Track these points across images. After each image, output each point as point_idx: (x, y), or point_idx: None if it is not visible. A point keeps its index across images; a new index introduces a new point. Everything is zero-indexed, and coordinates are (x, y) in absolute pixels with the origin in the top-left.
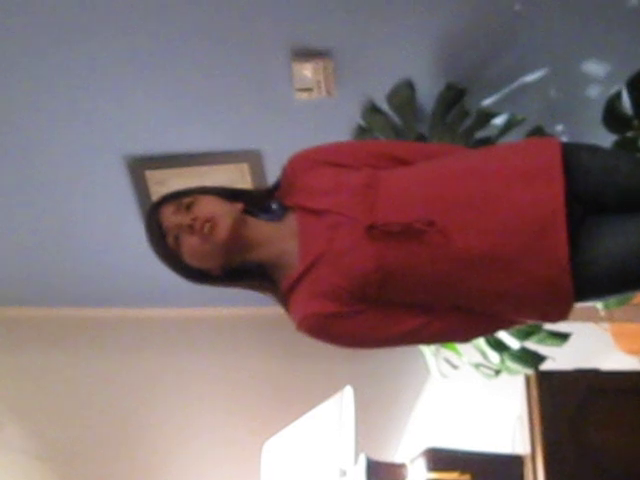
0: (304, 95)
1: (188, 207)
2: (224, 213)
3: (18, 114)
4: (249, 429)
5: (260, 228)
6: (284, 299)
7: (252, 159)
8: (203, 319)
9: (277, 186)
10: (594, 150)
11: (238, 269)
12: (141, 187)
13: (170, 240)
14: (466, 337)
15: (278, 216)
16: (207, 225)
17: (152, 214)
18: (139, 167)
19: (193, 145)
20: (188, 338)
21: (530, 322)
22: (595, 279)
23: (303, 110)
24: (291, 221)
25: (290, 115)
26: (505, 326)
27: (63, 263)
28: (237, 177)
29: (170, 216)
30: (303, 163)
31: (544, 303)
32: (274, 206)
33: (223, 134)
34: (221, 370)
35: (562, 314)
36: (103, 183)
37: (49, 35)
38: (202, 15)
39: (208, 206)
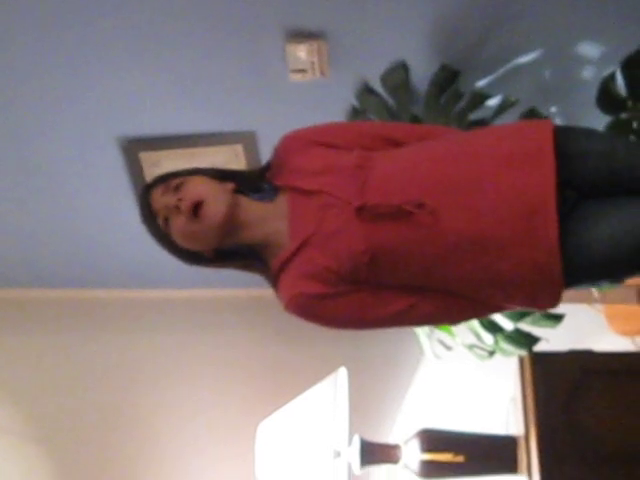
0: (298, 76)
1: (177, 188)
2: (215, 195)
3: (11, 96)
4: (243, 410)
5: (252, 208)
6: (274, 279)
7: (246, 140)
8: (198, 301)
9: (268, 166)
10: (588, 134)
11: (230, 250)
12: (135, 169)
13: (160, 221)
14: (455, 319)
15: (269, 196)
16: (194, 206)
17: (143, 196)
18: (133, 149)
19: (187, 126)
20: (183, 320)
21: (520, 308)
22: (587, 264)
23: (297, 91)
24: (282, 201)
25: (284, 96)
26: (495, 311)
27: (57, 245)
28: (231, 158)
29: (159, 198)
30: (294, 143)
31: (533, 288)
32: (265, 186)
33: (217, 115)
34: (215, 352)
35: (552, 300)
36: (97, 165)
37: (43, 16)
38: None
39: (197, 187)
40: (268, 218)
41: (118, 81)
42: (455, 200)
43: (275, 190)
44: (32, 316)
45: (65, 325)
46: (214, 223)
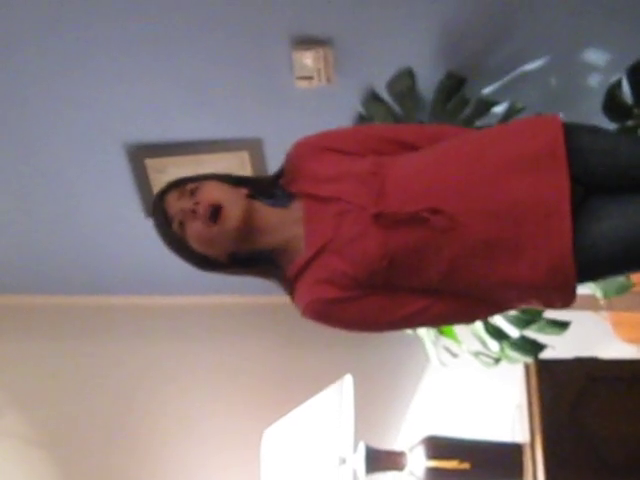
0: (304, 83)
1: (192, 193)
2: (231, 199)
3: (17, 102)
4: (249, 417)
5: (267, 214)
6: (290, 286)
7: (252, 147)
8: (203, 307)
9: (281, 173)
10: (595, 131)
11: (245, 256)
12: (141, 175)
13: (175, 226)
14: (467, 320)
15: (283, 203)
16: (211, 210)
17: (157, 202)
18: (139, 155)
19: (193, 133)
20: (189, 326)
21: (533, 306)
22: (593, 261)
23: (303, 98)
24: (297, 208)
25: (290, 103)
26: (507, 310)
27: (62, 251)
28: (237, 165)
29: (174, 202)
30: (307, 150)
31: (548, 289)
32: (278, 193)
33: (223, 122)
34: (221, 358)
35: (566, 300)
36: (103, 171)
37: (48, 21)
38: (202, 2)
39: (213, 192)
40: (284, 224)
41: (124, 87)
42: (471, 204)
43: (288, 197)
44: (37, 322)
45: (69, 331)
46: (231, 227)
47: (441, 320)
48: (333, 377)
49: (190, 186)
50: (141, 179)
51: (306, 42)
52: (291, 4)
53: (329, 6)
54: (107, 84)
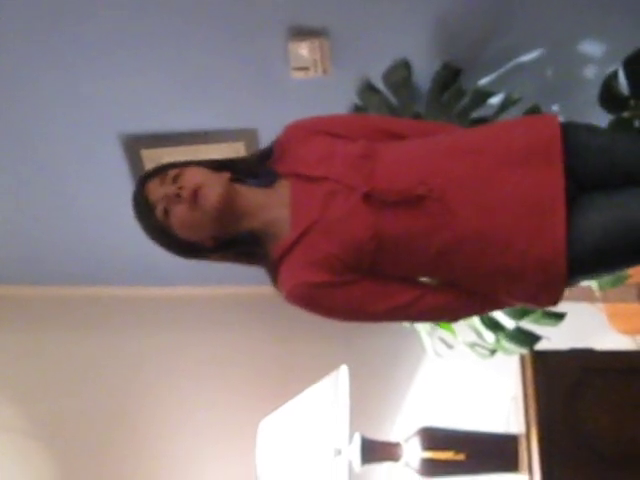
0: (300, 74)
1: (174, 180)
2: (212, 182)
3: (13, 94)
4: (245, 408)
5: (251, 195)
6: (274, 268)
7: (248, 138)
8: (199, 298)
9: (269, 153)
10: (592, 129)
11: (229, 239)
12: (137, 166)
13: (159, 213)
14: (456, 315)
15: (268, 182)
16: (195, 193)
17: (138, 190)
18: (135, 146)
19: (189, 124)
20: (183, 317)
21: (520, 305)
22: (582, 256)
23: (299, 89)
24: (283, 188)
25: (286, 94)
26: (496, 307)
27: (58, 242)
28: (233, 156)
29: (157, 188)
30: (298, 132)
31: (536, 285)
32: (263, 172)
33: (219, 113)
34: (216, 349)
35: (553, 298)
36: (99, 162)
37: (45, 14)
38: None
39: (195, 176)
40: (269, 205)
41: (120, 78)
42: (463, 193)
43: (274, 176)
44: (33, 313)
45: (66, 322)
46: (212, 206)
47: (428, 315)
48: (329, 368)
49: (172, 172)
50: (137, 170)
51: (302, 33)
52: None
53: None
54: (103, 76)
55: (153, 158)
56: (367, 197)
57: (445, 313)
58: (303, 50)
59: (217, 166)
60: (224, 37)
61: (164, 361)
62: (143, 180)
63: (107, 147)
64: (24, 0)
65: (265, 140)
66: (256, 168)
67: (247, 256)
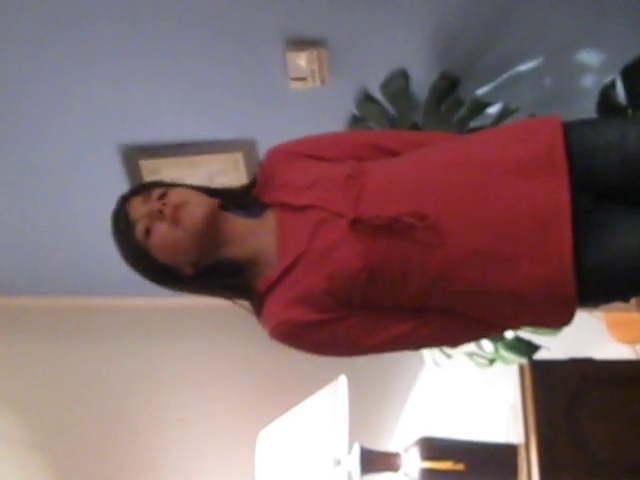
0: (298, 84)
1: (160, 198)
2: (198, 201)
3: (12, 102)
4: (244, 418)
5: (236, 223)
6: (258, 302)
7: (246, 148)
8: (199, 308)
9: (254, 183)
10: (598, 122)
11: (210, 267)
12: (135, 176)
13: (139, 233)
14: (456, 342)
15: (256, 213)
16: (178, 209)
17: (119, 207)
18: (133, 156)
19: (187, 134)
20: (182, 328)
21: (527, 326)
22: (608, 280)
23: (297, 99)
24: (269, 218)
25: (284, 104)
26: (497, 331)
27: (56, 252)
28: (231, 166)
29: (139, 206)
30: (281, 157)
31: (544, 307)
32: (251, 203)
33: (217, 123)
34: (215, 359)
35: (563, 320)
36: (97, 172)
37: (42, 22)
38: (196, 4)
39: (181, 194)
40: (254, 234)
41: (118, 88)
42: (458, 211)
43: (262, 207)
44: (31, 324)
45: (65, 333)
46: (196, 224)
47: (428, 342)
48: (327, 378)
49: (157, 191)
50: (135, 180)
51: (300, 43)
52: (285, 5)
53: (323, 7)
54: (101, 85)
55: (151, 168)
56: (355, 224)
57: (445, 340)
58: (301, 60)
59: (207, 192)
60: (223, 48)
61: (163, 371)
62: (126, 197)
63: (106, 157)
64: (23, 10)
65: (263, 150)
66: (244, 199)
67: (228, 289)
